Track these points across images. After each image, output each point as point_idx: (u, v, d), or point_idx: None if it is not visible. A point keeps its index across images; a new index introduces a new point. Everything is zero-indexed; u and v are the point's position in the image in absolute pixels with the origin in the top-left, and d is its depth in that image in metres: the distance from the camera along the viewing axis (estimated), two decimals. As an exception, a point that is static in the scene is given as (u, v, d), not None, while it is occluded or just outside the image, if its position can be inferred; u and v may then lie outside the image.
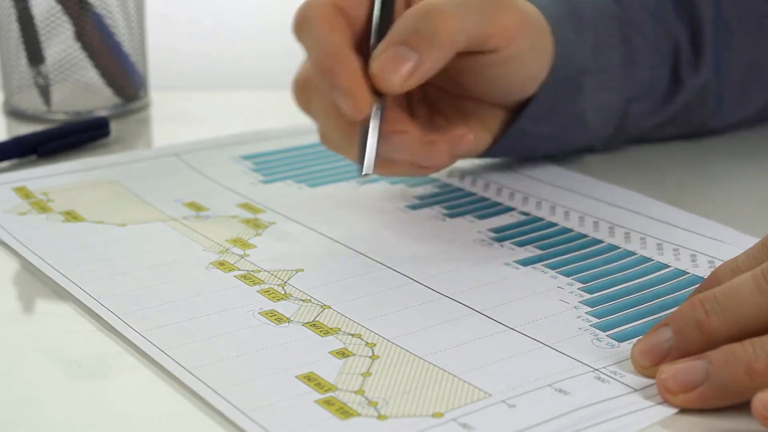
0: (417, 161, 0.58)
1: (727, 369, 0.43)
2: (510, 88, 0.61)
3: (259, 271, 0.55)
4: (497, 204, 0.63)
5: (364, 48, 0.56)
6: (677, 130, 0.72)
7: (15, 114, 0.81)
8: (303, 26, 0.56)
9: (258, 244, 0.58)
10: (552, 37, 0.61)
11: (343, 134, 0.57)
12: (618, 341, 0.48)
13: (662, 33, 0.68)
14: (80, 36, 0.79)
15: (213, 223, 0.61)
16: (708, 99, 0.71)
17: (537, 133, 0.64)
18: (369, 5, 0.56)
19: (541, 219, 0.61)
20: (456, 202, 0.64)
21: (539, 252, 0.57)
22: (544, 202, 0.63)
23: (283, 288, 0.53)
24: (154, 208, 0.63)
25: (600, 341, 0.48)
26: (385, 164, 0.57)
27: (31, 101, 0.80)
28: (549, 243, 0.58)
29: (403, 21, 0.55)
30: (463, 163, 0.68)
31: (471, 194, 0.65)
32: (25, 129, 0.76)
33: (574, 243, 0.58)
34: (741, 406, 0.42)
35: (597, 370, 0.46)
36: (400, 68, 0.54)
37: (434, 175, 0.67)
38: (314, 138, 0.75)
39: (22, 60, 0.79)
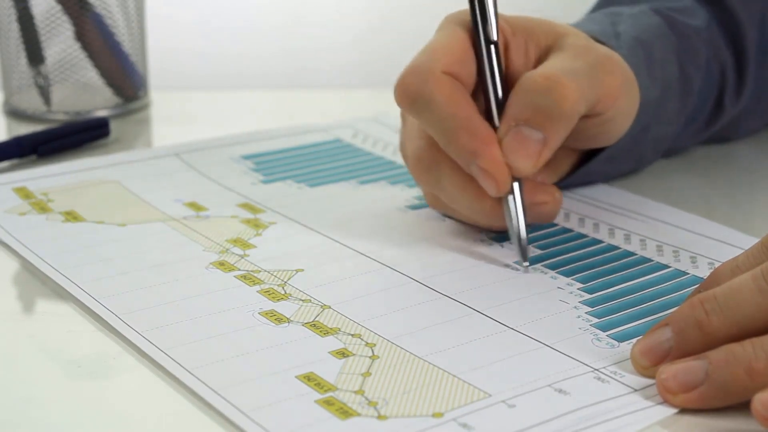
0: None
1: (727, 369, 0.43)
2: (600, 142, 0.60)
3: (259, 271, 0.55)
4: (497, 204, 0.63)
5: (480, 104, 0.55)
6: (703, 144, 0.72)
7: (15, 114, 0.81)
8: (419, 101, 0.54)
9: (258, 244, 0.58)
10: (638, 87, 0.60)
11: (483, 208, 0.56)
12: (618, 341, 0.48)
13: (712, 59, 0.68)
14: (80, 36, 0.79)
15: (213, 223, 0.61)
16: (741, 119, 0.71)
17: (602, 171, 0.64)
18: (475, 60, 0.56)
19: (541, 219, 0.61)
20: (456, 203, 0.64)
21: (539, 252, 0.57)
22: (544, 203, 0.63)
23: (283, 288, 0.53)
24: (154, 208, 0.63)
25: (600, 341, 0.48)
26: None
27: (31, 101, 0.80)
28: (549, 243, 0.58)
29: (522, 96, 0.54)
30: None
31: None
32: (25, 129, 0.76)
33: (574, 243, 0.58)
34: (741, 406, 0.42)
35: (597, 370, 0.46)
36: (529, 152, 0.53)
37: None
38: (314, 138, 0.75)
39: (22, 60, 0.79)
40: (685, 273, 0.54)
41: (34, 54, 0.79)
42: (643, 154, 0.66)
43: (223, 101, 0.88)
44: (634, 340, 0.47)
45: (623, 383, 0.45)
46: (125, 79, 0.81)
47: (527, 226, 0.55)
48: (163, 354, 0.47)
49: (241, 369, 0.46)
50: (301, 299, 0.52)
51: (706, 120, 0.69)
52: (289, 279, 0.54)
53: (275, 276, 0.54)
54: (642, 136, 0.64)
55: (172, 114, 0.83)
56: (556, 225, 0.60)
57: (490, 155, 0.53)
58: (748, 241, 0.56)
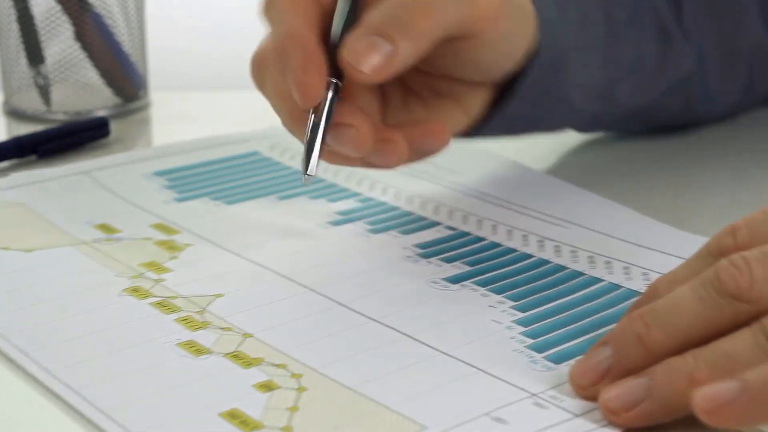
0: (366, 159, 0.54)
1: (669, 383, 0.41)
2: (489, 69, 0.58)
3: (176, 297, 0.52)
4: (422, 218, 0.61)
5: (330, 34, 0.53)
6: (665, 115, 0.71)
7: (15, 114, 0.81)
8: (269, 7, 0.53)
9: (174, 268, 0.55)
10: (535, 17, 0.58)
11: (293, 120, 0.54)
12: (555, 363, 0.46)
13: (645, 8, 0.66)
14: (80, 36, 0.79)
15: (126, 246, 0.58)
16: (693, 82, 0.70)
17: (521, 114, 0.61)
18: None
19: (469, 234, 0.59)
20: (380, 217, 0.61)
21: (468, 268, 0.55)
22: (471, 216, 0.61)
23: (201, 315, 0.50)
24: (63, 231, 0.60)
25: (536, 363, 0.46)
26: (332, 156, 0.54)
27: (31, 101, 0.80)
28: (478, 258, 0.56)
29: (378, 9, 0.52)
30: (386, 177, 0.66)
31: (395, 208, 0.62)
32: (25, 129, 0.75)
33: (504, 258, 0.56)
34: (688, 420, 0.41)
35: (535, 395, 0.44)
36: (372, 58, 0.50)
37: (356, 189, 0.65)
38: (231, 150, 0.72)
39: (22, 60, 0.79)
40: (619, 287, 0.53)
41: (34, 54, 0.79)
42: (567, 98, 0.63)
43: (223, 101, 0.87)
44: (571, 361, 0.46)
45: (563, 408, 0.43)
46: (125, 79, 0.81)
47: (324, 144, 0.51)
48: (76, 394, 0.44)
49: (162, 408, 0.43)
50: (221, 327, 0.49)
51: (649, 73, 0.67)
52: (208, 305, 0.51)
53: (193, 302, 0.52)
54: (559, 76, 0.61)
55: (172, 114, 0.83)
56: (484, 239, 0.58)
57: (306, 66, 0.51)
58: (680, 242, 0.54)
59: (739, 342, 0.41)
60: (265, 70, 0.54)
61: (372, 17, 0.52)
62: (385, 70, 0.51)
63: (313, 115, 0.51)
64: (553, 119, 0.65)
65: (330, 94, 0.51)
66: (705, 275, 0.43)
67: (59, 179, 0.67)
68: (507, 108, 0.60)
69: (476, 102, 0.59)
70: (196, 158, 0.71)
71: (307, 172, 0.51)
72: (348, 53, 0.51)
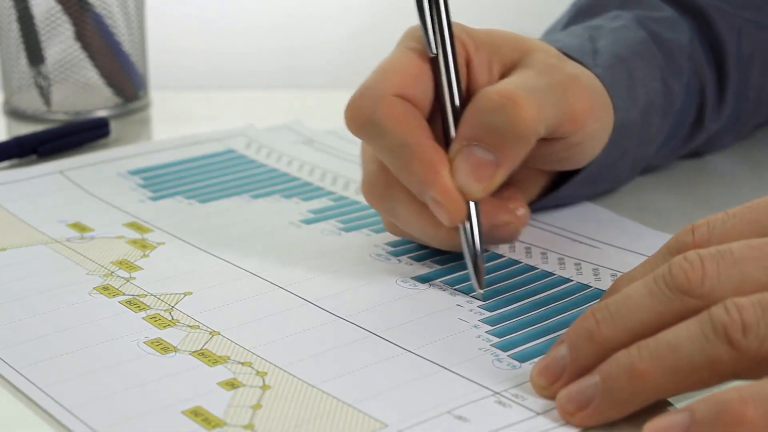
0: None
1: (614, 377, 0.41)
2: (569, 166, 0.57)
3: (146, 295, 0.52)
4: (394, 217, 0.61)
5: (436, 126, 0.52)
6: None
7: (15, 114, 0.81)
8: (368, 126, 0.51)
9: (145, 266, 0.55)
10: (612, 110, 0.57)
11: (435, 238, 0.53)
12: (519, 361, 0.46)
13: (693, 75, 0.65)
14: (80, 36, 0.79)
15: (98, 245, 0.58)
16: (718, 137, 0.70)
17: (576, 194, 0.61)
18: (430, 80, 0.52)
19: (439, 232, 0.59)
20: (352, 216, 0.62)
21: (437, 267, 0.55)
22: (442, 215, 0.61)
23: (170, 314, 0.50)
24: (35, 230, 0.60)
25: (501, 362, 0.46)
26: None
27: (31, 101, 0.80)
28: (447, 258, 0.56)
29: (475, 114, 0.50)
30: (360, 177, 0.66)
31: (367, 207, 0.63)
32: (25, 129, 0.75)
33: (474, 257, 0.56)
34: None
35: (498, 393, 0.44)
36: (480, 175, 0.50)
37: (329, 188, 0.65)
38: (205, 149, 0.72)
39: (22, 60, 0.80)
40: (587, 286, 0.53)
41: (34, 54, 0.79)
42: (620, 175, 0.63)
43: (223, 101, 0.87)
44: (536, 360, 0.46)
45: (525, 407, 0.43)
46: (125, 79, 0.82)
47: (485, 250, 0.52)
48: (41, 392, 0.44)
49: (126, 405, 0.43)
50: (189, 325, 0.49)
51: (684, 138, 0.67)
52: (176, 303, 0.51)
53: (162, 300, 0.52)
54: (620, 160, 0.61)
55: (172, 114, 0.83)
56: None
57: (441, 185, 0.50)
58: (652, 241, 0.55)
59: (684, 331, 0.41)
60: (390, 192, 0.53)
61: (468, 123, 0.51)
62: (494, 181, 0.50)
63: (465, 229, 0.51)
64: (598, 192, 0.64)
65: (472, 204, 0.51)
66: (659, 271, 0.43)
67: (33, 179, 0.67)
68: (564, 191, 0.60)
69: (538, 186, 0.59)
70: (171, 157, 0.71)
71: (483, 289, 0.52)
72: (457, 178, 0.50)
